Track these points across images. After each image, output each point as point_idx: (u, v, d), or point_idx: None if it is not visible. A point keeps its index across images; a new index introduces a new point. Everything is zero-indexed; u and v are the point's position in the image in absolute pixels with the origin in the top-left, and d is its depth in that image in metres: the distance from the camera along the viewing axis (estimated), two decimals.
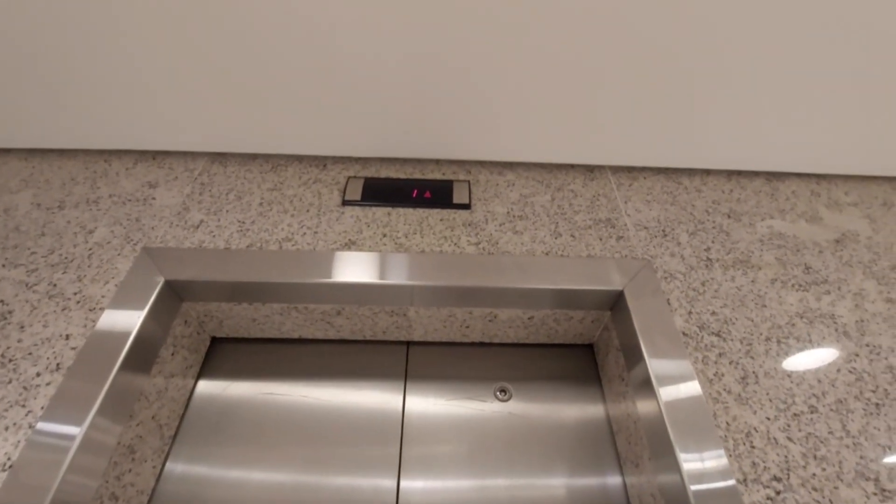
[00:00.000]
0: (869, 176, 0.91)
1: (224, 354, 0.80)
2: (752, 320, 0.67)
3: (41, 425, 0.52)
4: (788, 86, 0.74)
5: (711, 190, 0.86)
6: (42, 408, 0.54)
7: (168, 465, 0.68)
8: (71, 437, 0.51)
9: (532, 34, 0.67)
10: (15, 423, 0.53)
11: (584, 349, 0.83)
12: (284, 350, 0.81)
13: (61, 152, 0.86)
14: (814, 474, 0.53)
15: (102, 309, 0.63)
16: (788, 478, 0.53)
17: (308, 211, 0.77)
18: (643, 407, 0.62)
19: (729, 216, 0.81)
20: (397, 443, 0.71)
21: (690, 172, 0.89)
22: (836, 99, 0.76)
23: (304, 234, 0.74)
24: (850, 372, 0.62)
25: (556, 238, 0.75)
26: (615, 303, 0.71)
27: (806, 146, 0.85)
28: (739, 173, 0.90)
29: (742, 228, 0.79)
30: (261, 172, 0.84)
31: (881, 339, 0.66)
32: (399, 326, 0.77)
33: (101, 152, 0.87)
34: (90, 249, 0.70)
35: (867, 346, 0.65)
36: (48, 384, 0.56)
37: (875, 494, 0.52)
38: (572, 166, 0.89)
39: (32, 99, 0.76)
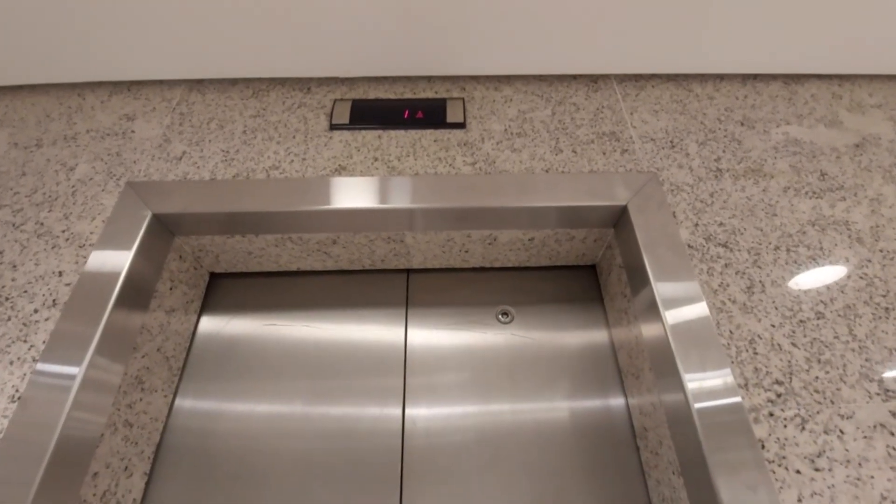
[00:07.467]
0: None
1: (224, 289, 0.80)
2: (762, 230, 0.64)
3: (42, 366, 0.52)
4: None
5: (724, 97, 0.80)
6: (43, 342, 0.54)
7: (178, 400, 0.70)
8: (71, 377, 0.52)
9: None
10: (19, 358, 0.54)
11: (586, 270, 0.82)
12: (284, 283, 0.80)
13: (32, 88, 0.82)
14: (816, 377, 0.53)
15: (92, 245, 0.62)
16: (790, 381, 0.52)
17: (294, 137, 0.73)
18: (645, 323, 0.61)
19: (742, 124, 0.76)
20: (401, 369, 0.72)
21: (702, 78, 0.83)
22: None
23: (292, 161, 0.70)
24: (861, 278, 0.60)
25: (556, 154, 0.71)
26: (619, 219, 0.69)
27: (828, 44, 0.77)
28: (755, 77, 0.83)
29: (755, 136, 0.74)
30: (242, 99, 0.79)
31: None
32: (397, 254, 0.76)
33: (74, 86, 0.82)
34: (73, 187, 0.68)
35: (881, 251, 0.62)
36: (47, 319, 0.56)
37: (878, 395, 0.52)
38: (574, 77, 0.83)
39: None
